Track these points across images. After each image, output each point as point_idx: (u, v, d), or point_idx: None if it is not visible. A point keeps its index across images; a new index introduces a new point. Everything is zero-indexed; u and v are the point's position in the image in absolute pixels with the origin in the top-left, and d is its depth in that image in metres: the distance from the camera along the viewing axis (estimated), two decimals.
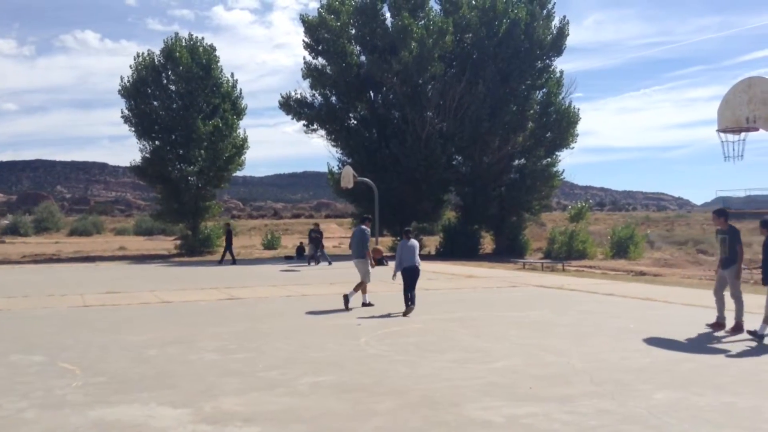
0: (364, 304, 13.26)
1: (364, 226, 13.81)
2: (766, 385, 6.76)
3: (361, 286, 13.41)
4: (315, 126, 35.50)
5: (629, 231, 30.21)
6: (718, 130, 11.93)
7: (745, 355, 8.32)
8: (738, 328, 9.89)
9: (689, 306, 13.02)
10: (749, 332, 9.57)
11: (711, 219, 10.48)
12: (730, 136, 11.94)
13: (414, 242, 12.90)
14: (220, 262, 27.57)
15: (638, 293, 15.18)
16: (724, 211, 10.93)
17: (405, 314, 12.03)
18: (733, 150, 12.02)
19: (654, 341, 9.31)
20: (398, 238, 36.49)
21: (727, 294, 10.33)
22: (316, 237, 27.55)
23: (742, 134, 11.89)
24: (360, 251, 13.49)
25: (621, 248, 29.13)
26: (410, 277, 12.51)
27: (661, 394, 6.43)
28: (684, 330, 10.12)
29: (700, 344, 9.09)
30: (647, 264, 25.41)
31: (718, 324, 10.23)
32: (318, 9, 34.32)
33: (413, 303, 12.31)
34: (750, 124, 11.44)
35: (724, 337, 9.68)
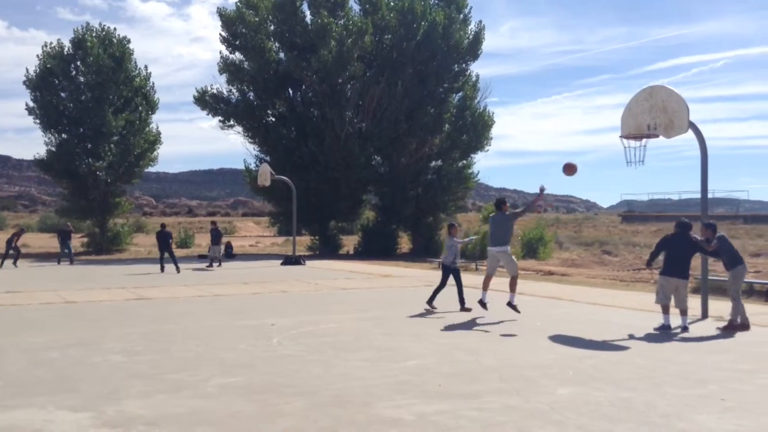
0: (510, 305, 11.84)
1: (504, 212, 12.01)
2: (661, 380, 7.12)
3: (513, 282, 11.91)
4: (231, 122, 34.95)
5: (539, 232, 31.17)
6: (621, 136, 12.46)
7: (643, 352, 8.73)
8: (731, 327, 10.36)
9: (593, 305, 13.55)
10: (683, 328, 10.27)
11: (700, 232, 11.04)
12: (633, 142, 12.48)
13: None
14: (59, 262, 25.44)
15: (546, 292, 15.68)
16: (710, 224, 11.08)
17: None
18: (635, 155, 12.58)
19: (559, 339, 9.64)
20: (316, 237, 36.40)
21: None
22: (215, 235, 25.31)
23: (644, 140, 12.45)
24: (504, 237, 11.73)
25: (531, 248, 30.03)
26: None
27: (564, 390, 6.67)
28: (588, 328, 10.52)
29: (602, 341, 9.48)
30: (556, 264, 26.30)
31: (741, 325, 10.47)
32: (236, 3, 33.76)
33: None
34: (651, 131, 12.01)
35: (669, 334, 10.08)
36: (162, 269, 22.17)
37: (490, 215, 12.41)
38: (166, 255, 22.35)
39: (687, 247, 10.60)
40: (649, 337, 9.81)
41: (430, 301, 12.73)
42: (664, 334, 10.04)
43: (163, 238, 22.66)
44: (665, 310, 10.43)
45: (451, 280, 12.80)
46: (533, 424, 5.55)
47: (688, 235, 10.66)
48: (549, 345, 9.22)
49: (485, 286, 12.01)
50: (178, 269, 21.90)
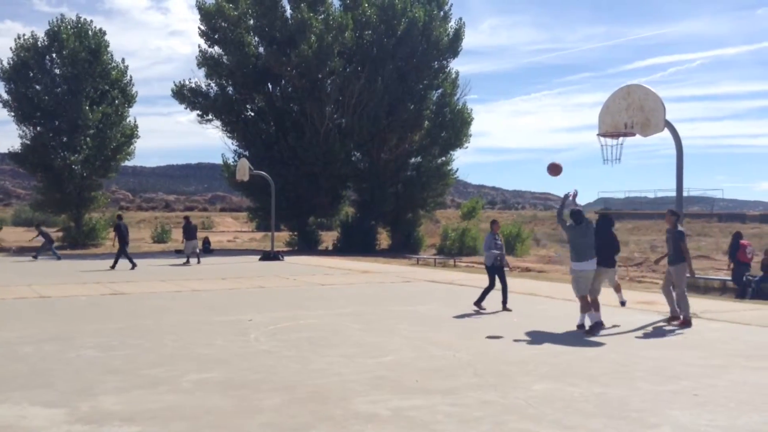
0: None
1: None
2: (635, 375, 7.20)
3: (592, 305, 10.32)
4: (210, 116, 34.72)
5: (516, 229, 31.39)
6: (599, 134, 12.58)
7: (617, 348, 8.82)
8: (686, 323, 10.47)
9: (570, 301, 13.62)
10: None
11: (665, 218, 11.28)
12: (610, 141, 12.62)
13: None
14: None
15: (523, 289, 15.77)
16: (675, 212, 11.24)
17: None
18: (612, 153, 12.72)
19: (536, 334, 9.72)
20: (295, 233, 36.31)
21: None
22: (189, 231, 24.41)
23: (621, 139, 12.60)
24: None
25: (508, 245, 30.21)
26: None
27: (539, 385, 6.72)
28: (564, 324, 10.61)
29: (578, 337, 9.58)
30: (533, 261, 26.50)
31: (673, 318, 10.76)
32: None
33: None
34: (628, 130, 12.15)
35: (642, 329, 10.18)
36: (133, 265, 20.98)
37: (595, 224, 10.93)
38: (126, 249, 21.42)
39: (611, 239, 10.90)
40: (623, 333, 9.92)
41: (478, 302, 12.35)
42: (639, 330, 10.16)
43: (122, 231, 21.57)
44: (587, 308, 10.09)
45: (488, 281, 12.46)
46: (509, 419, 5.59)
47: (610, 229, 11.01)
48: (525, 341, 9.29)
49: (586, 308, 10.33)
50: (114, 266, 20.76)
